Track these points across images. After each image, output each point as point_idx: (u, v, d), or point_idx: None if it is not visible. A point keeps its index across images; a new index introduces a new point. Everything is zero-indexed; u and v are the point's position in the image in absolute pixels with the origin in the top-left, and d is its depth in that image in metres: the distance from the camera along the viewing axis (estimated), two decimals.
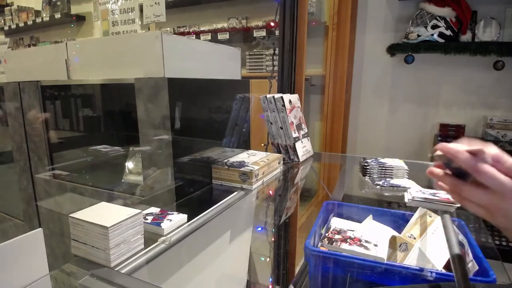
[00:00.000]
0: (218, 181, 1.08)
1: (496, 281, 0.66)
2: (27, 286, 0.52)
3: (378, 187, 1.10)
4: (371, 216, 1.01)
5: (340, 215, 1.05)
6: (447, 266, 0.78)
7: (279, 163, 1.23)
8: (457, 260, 0.56)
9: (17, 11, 4.36)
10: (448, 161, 0.49)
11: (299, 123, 1.40)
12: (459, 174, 0.49)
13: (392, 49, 2.37)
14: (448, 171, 0.51)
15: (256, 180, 1.04)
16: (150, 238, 0.69)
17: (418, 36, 2.22)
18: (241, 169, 1.03)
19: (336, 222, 0.99)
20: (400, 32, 2.43)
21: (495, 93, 2.26)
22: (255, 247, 1.39)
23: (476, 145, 0.48)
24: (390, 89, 2.58)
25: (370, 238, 0.84)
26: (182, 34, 3.18)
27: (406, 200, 0.93)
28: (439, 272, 0.72)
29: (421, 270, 0.71)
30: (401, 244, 0.84)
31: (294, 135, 1.32)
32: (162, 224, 0.72)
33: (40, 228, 0.54)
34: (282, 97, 1.29)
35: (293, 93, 1.69)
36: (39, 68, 1.31)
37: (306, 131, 1.46)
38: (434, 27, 2.18)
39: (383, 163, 1.18)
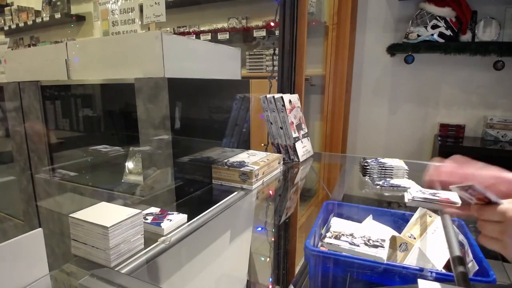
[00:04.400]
0: (218, 181, 1.08)
1: (496, 281, 0.66)
2: (27, 286, 0.52)
3: (378, 187, 1.10)
4: (371, 216, 1.01)
5: (340, 215, 1.05)
6: (447, 266, 0.78)
7: (279, 163, 1.23)
8: (457, 260, 0.56)
9: (17, 11, 4.36)
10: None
11: (299, 123, 1.40)
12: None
13: (392, 49, 2.37)
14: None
15: (256, 180, 1.04)
16: (150, 238, 0.69)
17: (418, 36, 2.22)
18: (241, 169, 1.03)
19: (336, 222, 0.99)
20: (400, 32, 2.43)
21: (495, 93, 2.26)
22: (255, 247, 1.39)
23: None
24: (390, 89, 2.58)
25: (370, 238, 0.84)
26: (182, 34, 3.18)
27: (406, 200, 0.93)
28: (439, 272, 0.72)
29: (421, 270, 0.71)
30: (401, 244, 0.84)
31: (294, 135, 1.32)
32: (162, 224, 0.72)
33: (40, 228, 0.54)
34: (282, 97, 1.29)
35: (293, 93, 1.69)
36: (39, 68, 1.31)
37: (306, 131, 1.46)
38: (434, 27, 2.18)
39: (383, 163, 1.18)
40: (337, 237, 0.84)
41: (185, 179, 1.02)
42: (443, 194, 0.88)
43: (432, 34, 2.19)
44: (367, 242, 0.81)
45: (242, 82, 1.40)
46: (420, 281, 0.48)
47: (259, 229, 1.35)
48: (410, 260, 0.81)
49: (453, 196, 0.86)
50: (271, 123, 1.34)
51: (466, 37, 2.17)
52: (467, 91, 2.33)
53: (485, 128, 2.23)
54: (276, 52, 1.72)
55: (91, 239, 0.60)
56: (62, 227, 1.35)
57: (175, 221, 0.75)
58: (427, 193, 0.91)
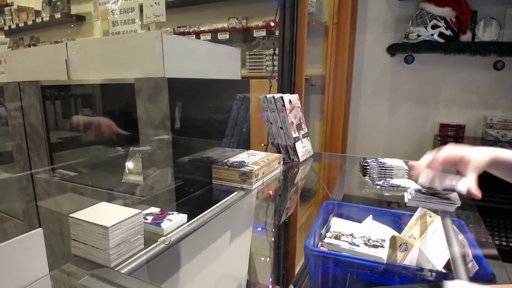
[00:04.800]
0: (218, 181, 1.08)
1: (496, 281, 0.66)
2: (27, 286, 0.52)
3: (378, 187, 1.10)
4: (371, 216, 1.01)
5: (340, 215, 1.05)
6: (447, 266, 0.78)
7: (279, 163, 1.23)
8: (457, 260, 0.56)
9: (17, 11, 4.36)
10: None
11: (299, 123, 1.40)
12: None
13: (392, 49, 2.37)
14: None
15: (256, 180, 1.04)
16: (150, 238, 0.69)
17: (418, 36, 2.22)
18: (241, 169, 1.03)
19: (336, 222, 0.99)
20: (400, 32, 2.43)
21: (495, 93, 2.26)
22: (255, 247, 1.39)
23: None
24: (390, 89, 2.58)
25: (370, 238, 0.84)
26: (182, 34, 3.18)
27: (406, 200, 0.93)
28: (439, 272, 0.72)
29: (421, 270, 0.71)
30: (401, 244, 0.84)
31: (294, 135, 1.32)
32: (162, 224, 0.72)
33: (40, 228, 0.54)
34: (282, 97, 1.29)
35: (293, 93, 1.69)
36: (39, 68, 1.31)
37: (306, 131, 1.46)
38: (434, 27, 2.18)
39: (383, 163, 1.18)
40: (337, 237, 0.84)
41: (185, 179, 1.02)
42: (443, 194, 0.88)
43: (432, 34, 2.19)
44: (367, 242, 0.81)
45: (242, 82, 1.40)
46: (448, 282, 0.47)
47: (259, 229, 1.35)
48: (410, 260, 0.81)
49: (454, 196, 0.86)
50: (271, 123, 1.34)
51: (466, 37, 2.17)
52: (467, 91, 2.33)
53: (485, 128, 2.23)
54: (276, 52, 1.72)
55: (91, 239, 0.60)
56: (62, 227, 1.35)
57: (175, 221, 0.75)
58: (427, 193, 0.91)
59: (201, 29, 3.14)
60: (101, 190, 1.23)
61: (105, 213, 0.64)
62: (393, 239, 0.85)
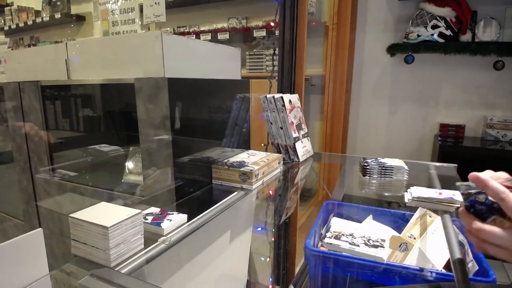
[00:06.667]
0: (218, 181, 1.08)
1: (496, 281, 0.66)
2: (27, 286, 0.52)
3: (374, 181, 1.10)
4: (371, 216, 1.02)
5: (340, 215, 1.06)
6: (447, 266, 0.78)
7: (279, 163, 1.23)
8: (457, 260, 0.56)
9: (17, 11, 4.36)
10: (473, 194, 0.51)
11: (299, 123, 1.40)
12: (480, 212, 0.50)
13: (392, 49, 2.37)
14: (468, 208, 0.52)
15: (256, 180, 1.04)
16: (150, 238, 0.69)
17: (418, 36, 2.22)
18: (241, 169, 1.03)
19: (336, 222, 0.99)
20: (400, 32, 2.43)
21: (495, 93, 2.26)
22: (255, 247, 1.39)
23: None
24: (390, 89, 2.58)
25: (370, 238, 0.84)
26: (182, 34, 3.18)
27: (406, 200, 0.94)
28: (439, 272, 0.72)
29: (421, 270, 0.71)
30: (401, 244, 0.84)
31: (294, 135, 1.32)
32: (162, 224, 0.72)
33: (40, 228, 0.54)
34: (282, 97, 1.29)
35: (293, 93, 1.69)
36: (39, 68, 1.31)
37: (306, 131, 1.46)
38: (434, 27, 2.18)
39: (383, 163, 1.18)
40: (337, 237, 0.84)
41: (185, 179, 1.02)
42: (444, 194, 0.88)
43: (432, 34, 2.19)
44: (367, 242, 0.81)
45: (242, 82, 1.40)
46: None
47: (259, 229, 1.35)
48: (410, 260, 0.81)
49: (457, 195, 0.86)
50: (271, 123, 1.34)
51: (466, 37, 2.17)
52: (467, 91, 2.33)
53: (485, 128, 2.23)
54: (276, 52, 1.72)
55: (91, 239, 0.60)
56: (62, 227, 1.35)
57: (175, 221, 0.75)
58: (427, 193, 0.91)
59: (201, 29, 3.14)
60: (101, 190, 1.23)
61: (105, 213, 0.64)
62: (393, 239, 0.85)
